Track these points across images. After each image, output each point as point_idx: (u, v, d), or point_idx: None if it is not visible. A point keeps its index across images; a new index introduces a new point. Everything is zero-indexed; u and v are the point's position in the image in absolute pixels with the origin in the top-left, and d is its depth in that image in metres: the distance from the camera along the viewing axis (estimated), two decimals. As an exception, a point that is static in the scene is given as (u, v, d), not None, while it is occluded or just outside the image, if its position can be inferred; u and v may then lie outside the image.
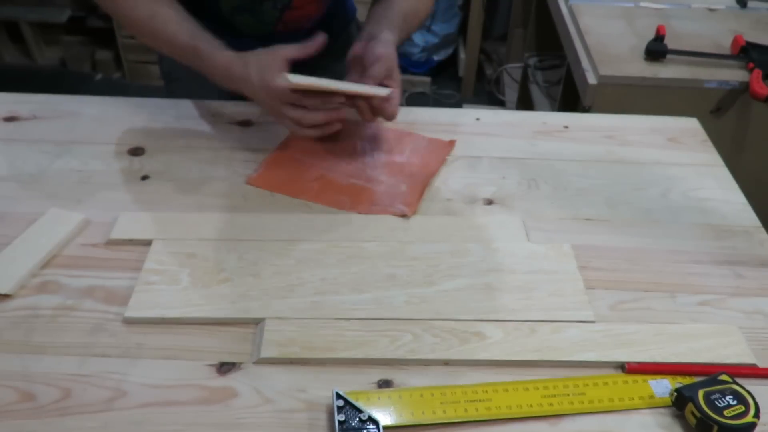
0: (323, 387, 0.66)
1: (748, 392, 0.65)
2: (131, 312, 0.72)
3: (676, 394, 0.65)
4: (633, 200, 0.92)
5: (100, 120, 1.03)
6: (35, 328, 0.71)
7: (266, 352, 0.68)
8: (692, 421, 0.63)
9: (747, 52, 1.41)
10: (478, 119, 1.08)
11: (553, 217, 0.89)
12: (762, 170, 1.45)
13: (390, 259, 0.80)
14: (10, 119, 1.02)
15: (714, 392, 0.64)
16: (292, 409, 0.64)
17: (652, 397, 0.67)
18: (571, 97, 1.58)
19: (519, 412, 0.64)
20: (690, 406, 0.63)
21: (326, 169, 0.94)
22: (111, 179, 0.92)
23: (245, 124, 1.03)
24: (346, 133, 0.99)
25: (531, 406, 0.65)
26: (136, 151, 0.97)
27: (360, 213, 0.88)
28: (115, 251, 0.80)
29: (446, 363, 0.69)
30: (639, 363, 0.69)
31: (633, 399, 0.66)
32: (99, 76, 2.96)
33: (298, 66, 0.88)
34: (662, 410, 0.66)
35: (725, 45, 1.47)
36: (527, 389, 0.66)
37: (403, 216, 0.87)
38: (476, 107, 2.64)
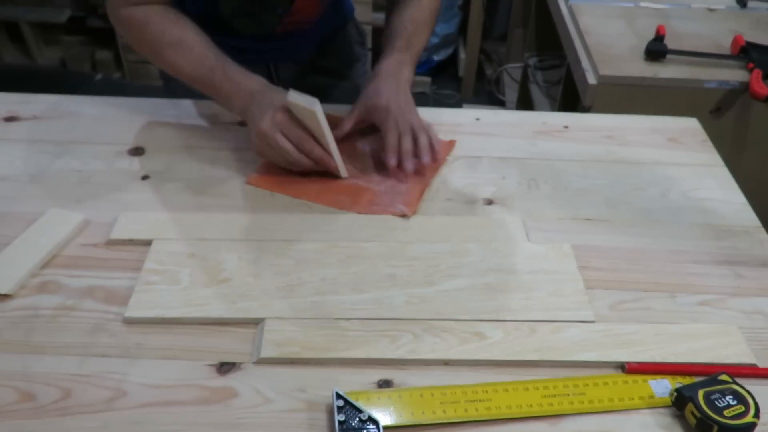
0: (323, 387, 0.66)
1: (748, 392, 0.65)
2: (131, 312, 0.72)
3: (676, 394, 0.65)
4: (633, 200, 0.92)
5: (100, 120, 1.03)
6: (35, 328, 0.71)
7: (266, 352, 0.68)
8: (692, 421, 0.63)
9: (747, 52, 1.41)
10: (478, 119, 1.08)
11: (553, 217, 0.89)
12: (762, 170, 1.45)
13: (390, 259, 0.80)
14: (10, 119, 1.02)
15: (714, 392, 0.64)
16: (292, 409, 0.64)
17: (652, 397, 0.67)
18: (571, 97, 1.58)
19: (519, 412, 0.64)
20: (690, 406, 0.63)
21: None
22: (111, 179, 0.92)
23: (245, 124, 1.02)
24: (347, 134, 1.00)
25: (531, 406, 0.65)
26: (136, 151, 0.97)
27: (360, 213, 0.88)
28: (115, 251, 0.81)
29: (446, 363, 0.69)
30: (639, 363, 0.69)
31: (633, 399, 0.66)
32: (99, 76, 2.96)
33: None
34: (662, 410, 0.66)
35: (725, 45, 1.47)
36: (527, 389, 0.66)
37: (403, 216, 0.87)
38: (476, 107, 2.64)
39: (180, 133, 1.01)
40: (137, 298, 0.73)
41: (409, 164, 0.91)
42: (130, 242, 0.81)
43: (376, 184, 0.92)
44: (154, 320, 0.72)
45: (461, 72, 2.91)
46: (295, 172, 0.92)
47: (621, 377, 0.68)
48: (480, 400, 0.65)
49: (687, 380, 0.68)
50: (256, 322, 0.72)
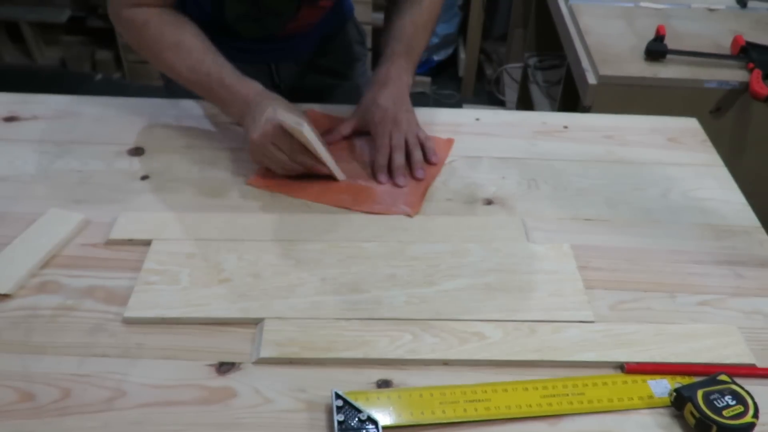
0: (323, 387, 0.66)
1: (747, 392, 0.65)
2: (131, 312, 0.72)
3: (675, 394, 0.65)
4: (633, 200, 0.92)
5: (100, 120, 1.03)
6: (35, 328, 0.71)
7: (266, 352, 0.68)
8: (691, 421, 0.63)
9: (747, 52, 1.41)
10: (478, 119, 1.08)
11: (553, 217, 0.89)
12: (762, 170, 1.45)
13: (390, 259, 0.80)
14: (10, 119, 1.02)
15: (713, 392, 0.64)
16: (291, 409, 0.64)
17: (651, 397, 0.67)
18: (571, 97, 1.58)
19: (518, 412, 0.64)
20: (689, 406, 0.63)
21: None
22: (111, 179, 0.92)
23: (245, 124, 1.03)
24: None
25: (530, 406, 0.65)
26: (136, 151, 0.97)
27: (362, 212, 0.88)
28: (115, 251, 0.81)
29: (446, 363, 0.69)
30: (638, 363, 0.69)
31: (632, 399, 0.66)
32: (99, 76, 2.96)
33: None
34: (661, 410, 0.66)
35: (725, 45, 1.47)
36: (527, 389, 0.66)
37: (406, 216, 0.87)
38: (476, 107, 2.64)
39: (180, 133, 1.01)
40: (137, 298, 0.73)
41: (401, 180, 0.92)
42: (130, 242, 0.81)
43: (377, 183, 0.92)
44: (153, 320, 0.72)
45: (461, 72, 2.91)
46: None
47: (620, 377, 0.68)
48: (479, 400, 0.65)
49: (686, 380, 0.68)
50: (256, 322, 0.72)
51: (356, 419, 0.62)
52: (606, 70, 1.37)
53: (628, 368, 0.69)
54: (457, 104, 2.83)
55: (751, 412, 0.63)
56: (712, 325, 0.75)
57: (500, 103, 2.74)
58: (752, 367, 0.70)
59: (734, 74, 1.38)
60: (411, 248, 0.82)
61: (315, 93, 1.17)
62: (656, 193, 0.94)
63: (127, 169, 0.94)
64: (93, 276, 0.77)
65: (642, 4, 1.67)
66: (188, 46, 0.92)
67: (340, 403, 0.63)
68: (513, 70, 2.72)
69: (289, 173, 0.90)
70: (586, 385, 0.67)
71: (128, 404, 0.64)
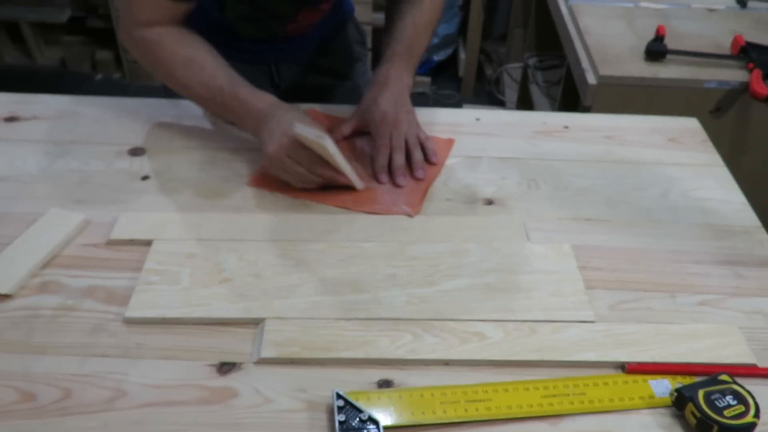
0: (323, 387, 0.66)
1: (748, 392, 0.65)
2: (131, 312, 0.72)
3: (676, 394, 0.65)
4: (633, 200, 0.92)
5: (100, 120, 1.03)
6: (35, 328, 0.71)
7: (266, 352, 0.68)
8: (692, 421, 0.63)
9: (747, 52, 1.41)
10: (478, 119, 1.08)
11: (553, 217, 0.89)
12: (762, 170, 1.45)
13: (390, 259, 0.80)
14: (10, 119, 1.02)
15: (714, 392, 0.64)
16: (292, 409, 0.64)
17: (652, 397, 0.67)
18: (571, 97, 1.58)
19: (519, 412, 0.64)
20: (690, 406, 0.63)
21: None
22: (111, 179, 0.92)
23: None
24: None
25: (531, 406, 0.65)
26: (136, 151, 0.97)
27: (362, 212, 0.88)
28: (115, 251, 0.81)
29: (446, 363, 0.69)
30: (639, 363, 0.69)
31: (633, 399, 0.66)
32: (99, 76, 2.96)
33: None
34: (662, 410, 0.66)
35: (725, 45, 1.47)
36: (527, 389, 0.66)
37: (407, 216, 0.87)
38: (476, 107, 2.64)
39: (180, 133, 1.01)
40: (137, 298, 0.73)
41: (401, 180, 0.92)
42: (131, 242, 0.81)
43: (377, 183, 0.92)
44: (154, 320, 0.72)
45: (461, 72, 2.91)
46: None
47: (621, 377, 0.68)
48: (480, 400, 0.65)
49: (687, 380, 0.68)
50: (256, 322, 0.72)
51: (357, 419, 0.62)
52: (606, 70, 1.38)
53: (629, 368, 0.69)
54: (457, 104, 2.83)
55: (752, 411, 0.63)
56: (712, 325, 0.75)
57: (500, 103, 2.74)
58: (753, 366, 0.70)
59: (734, 74, 1.38)
60: (411, 248, 0.82)
61: (315, 93, 1.17)
62: (656, 193, 0.94)
63: (127, 169, 0.94)
64: (93, 276, 0.77)
65: (642, 4, 1.68)
66: (201, 63, 0.92)
67: (341, 403, 0.63)
68: (513, 70, 2.72)
69: (308, 186, 0.89)
70: (587, 385, 0.67)
71: (129, 404, 0.64)
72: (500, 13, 2.93)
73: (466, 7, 2.80)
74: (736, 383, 0.66)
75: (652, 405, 0.66)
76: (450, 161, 0.98)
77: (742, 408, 0.63)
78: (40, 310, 0.73)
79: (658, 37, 1.44)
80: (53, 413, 0.63)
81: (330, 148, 0.81)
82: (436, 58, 2.94)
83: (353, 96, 1.04)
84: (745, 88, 1.36)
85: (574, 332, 0.72)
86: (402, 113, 0.96)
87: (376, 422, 0.62)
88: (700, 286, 0.79)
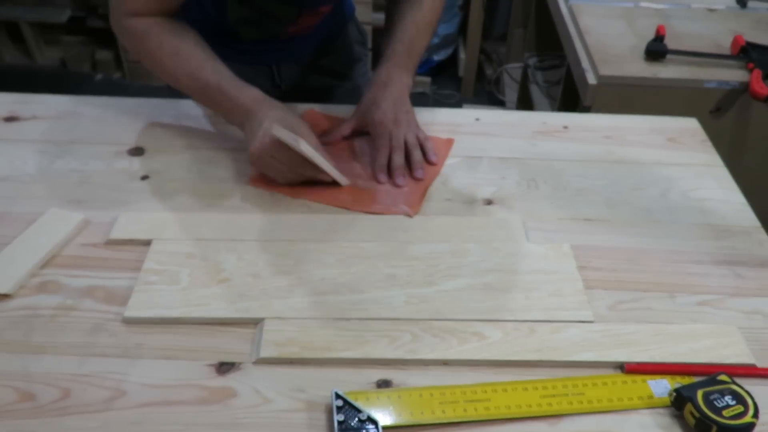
0: (322, 387, 0.66)
1: (747, 392, 0.65)
2: (131, 312, 0.72)
3: (675, 394, 0.65)
4: (633, 200, 0.92)
5: (100, 120, 1.03)
6: (35, 328, 0.71)
7: (266, 352, 0.68)
8: (691, 421, 0.63)
9: (747, 52, 1.41)
10: (478, 119, 1.08)
11: (553, 217, 0.89)
12: (762, 170, 1.45)
13: (390, 259, 0.80)
14: (10, 119, 1.03)
15: (713, 392, 0.64)
16: (291, 409, 0.64)
17: (651, 397, 0.67)
18: (571, 97, 1.58)
19: (518, 412, 0.64)
20: (689, 406, 0.63)
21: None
22: (111, 179, 0.92)
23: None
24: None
25: (530, 406, 0.65)
26: (136, 151, 0.97)
27: (361, 212, 0.88)
28: (115, 251, 0.81)
29: (446, 363, 0.69)
30: (638, 363, 0.69)
31: (632, 399, 0.66)
32: (99, 76, 2.96)
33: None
34: (661, 410, 0.66)
35: (725, 45, 1.47)
36: (526, 389, 0.66)
37: (406, 216, 0.87)
38: (476, 107, 2.64)
39: (180, 133, 1.01)
40: (137, 298, 0.73)
41: (400, 180, 0.92)
42: (130, 242, 0.81)
43: (377, 183, 0.92)
44: (153, 320, 0.72)
45: (461, 72, 2.91)
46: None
47: (620, 377, 0.68)
48: (479, 400, 0.65)
49: (686, 380, 0.68)
50: (256, 322, 0.72)
51: (356, 419, 0.62)
52: (606, 70, 1.38)
53: (628, 368, 0.69)
54: (457, 104, 2.83)
55: (751, 412, 0.63)
56: (711, 325, 0.75)
57: (500, 103, 2.74)
58: (752, 367, 0.70)
59: (734, 74, 1.38)
60: (411, 248, 0.82)
61: (316, 93, 1.17)
62: (656, 193, 0.94)
63: (127, 169, 0.94)
64: (93, 276, 0.77)
65: (642, 4, 1.67)
66: (188, 54, 0.92)
67: (340, 403, 0.63)
68: (513, 70, 2.72)
69: (291, 182, 0.90)
70: (586, 385, 0.67)
71: (128, 404, 0.64)
72: (500, 13, 2.93)
73: (466, 7, 2.80)
74: (735, 383, 0.66)
75: (651, 405, 0.66)
76: (450, 161, 0.98)
77: (741, 408, 0.63)
78: (40, 310, 0.73)
79: (658, 37, 1.44)
80: (52, 413, 0.63)
81: (305, 149, 0.82)
82: (436, 58, 2.94)
83: (354, 96, 1.04)
84: (745, 88, 1.36)
85: (574, 332, 0.72)
86: (401, 113, 0.96)
87: (375, 422, 0.62)
88: (700, 286, 0.80)
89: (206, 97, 0.93)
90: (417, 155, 0.94)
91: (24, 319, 0.72)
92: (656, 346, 0.71)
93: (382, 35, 1.07)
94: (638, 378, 0.68)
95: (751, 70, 1.37)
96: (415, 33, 1.02)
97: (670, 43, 1.42)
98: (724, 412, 0.62)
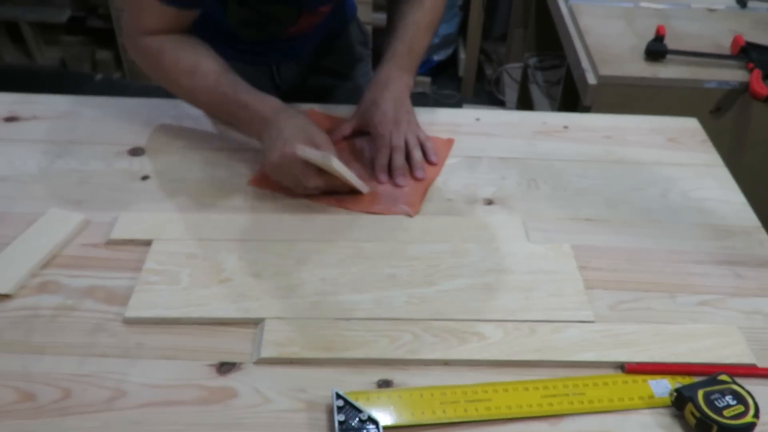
0: (323, 387, 0.66)
1: (748, 392, 0.65)
2: (131, 312, 0.72)
3: (675, 394, 0.65)
4: (633, 200, 0.92)
5: (100, 120, 1.03)
6: (35, 328, 0.71)
7: (266, 352, 0.68)
8: (692, 421, 0.63)
9: (747, 52, 1.41)
10: (478, 119, 1.08)
11: (553, 217, 0.89)
12: (762, 170, 1.45)
13: (390, 259, 0.80)
14: (10, 119, 1.02)
15: (713, 392, 0.64)
16: (292, 409, 0.64)
17: (651, 397, 0.67)
18: (571, 97, 1.58)
19: (519, 412, 0.64)
20: (690, 406, 0.63)
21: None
22: (111, 179, 0.92)
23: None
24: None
25: (531, 406, 0.65)
26: (136, 151, 0.97)
27: (361, 212, 0.88)
28: (115, 251, 0.81)
29: (446, 363, 0.69)
30: (638, 363, 0.69)
31: (633, 399, 0.66)
32: (99, 76, 2.96)
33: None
34: (662, 410, 0.66)
35: (725, 45, 1.47)
36: (527, 389, 0.66)
37: (407, 216, 0.87)
38: (476, 107, 2.64)
39: (180, 133, 1.01)
40: (137, 298, 0.73)
41: (401, 180, 0.92)
42: (130, 242, 0.81)
43: (377, 183, 0.92)
44: (154, 320, 0.72)
45: (461, 72, 2.91)
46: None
47: (621, 377, 0.68)
48: (480, 400, 0.65)
49: (687, 380, 0.68)
50: (256, 322, 0.72)
51: (357, 419, 0.62)
52: (606, 70, 1.38)
53: (629, 368, 0.69)
54: (457, 104, 2.83)
55: (751, 412, 0.63)
56: (712, 325, 0.75)
57: (500, 103, 2.74)
58: (752, 367, 0.70)
59: (734, 74, 1.38)
60: (411, 248, 0.82)
61: (317, 93, 1.17)
62: (656, 193, 0.94)
63: (127, 169, 0.94)
64: (93, 276, 0.77)
65: (642, 4, 1.68)
66: (204, 70, 0.91)
67: (340, 403, 0.63)
68: (513, 70, 2.72)
69: (308, 194, 0.89)
70: (587, 385, 0.67)
71: (128, 404, 0.64)
72: (500, 13, 2.93)
73: (466, 7, 2.80)
74: (735, 383, 0.66)
75: (652, 405, 0.66)
76: (450, 161, 0.98)
77: (741, 408, 0.63)
78: (40, 310, 0.73)
79: (658, 37, 1.44)
80: (53, 413, 0.63)
81: (337, 166, 0.81)
82: (436, 58, 2.94)
83: (355, 96, 1.04)
84: (745, 88, 1.36)
85: (574, 332, 0.72)
86: (402, 113, 0.96)
87: (375, 422, 0.62)
88: (700, 286, 0.80)
89: (224, 110, 0.93)
90: (417, 155, 0.94)
91: (24, 319, 0.72)
92: (657, 346, 0.71)
93: (383, 35, 1.07)
94: (639, 378, 0.68)
95: (751, 70, 1.37)
96: (416, 33, 1.02)
97: (670, 43, 1.42)
98: (725, 412, 0.62)
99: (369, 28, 2.48)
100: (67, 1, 2.83)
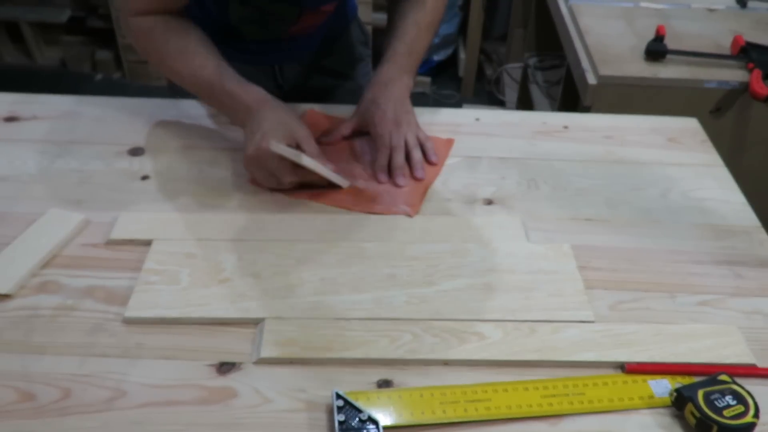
0: (323, 387, 0.66)
1: (748, 392, 0.65)
2: (131, 312, 0.72)
3: (675, 394, 0.65)
4: (633, 200, 0.92)
5: (100, 120, 1.03)
6: (35, 328, 0.71)
7: (266, 352, 0.68)
8: (692, 421, 0.63)
9: (747, 52, 1.41)
10: (478, 119, 1.08)
11: (553, 217, 0.89)
12: (762, 170, 1.45)
13: (390, 259, 0.80)
14: (10, 119, 1.03)
15: (713, 392, 0.64)
16: (291, 409, 0.64)
17: (651, 397, 0.67)
18: (571, 97, 1.58)
19: (519, 412, 0.64)
20: (689, 406, 0.63)
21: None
22: (111, 179, 0.92)
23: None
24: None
25: (531, 406, 0.65)
26: (136, 151, 0.97)
27: (362, 212, 0.88)
28: (115, 251, 0.81)
29: (446, 363, 0.69)
30: (638, 363, 0.69)
31: (632, 399, 0.66)
32: (99, 76, 2.96)
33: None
34: (662, 410, 0.66)
35: (725, 45, 1.47)
36: (527, 389, 0.66)
37: (407, 216, 0.87)
38: (476, 107, 2.64)
39: (180, 133, 1.01)
40: (137, 298, 0.73)
41: (401, 180, 0.92)
42: (130, 242, 0.81)
43: (377, 183, 0.92)
44: (154, 320, 0.72)
45: (461, 72, 2.91)
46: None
47: (620, 377, 0.68)
48: (480, 400, 0.65)
49: (686, 380, 0.68)
50: (256, 322, 0.72)
51: (357, 419, 0.62)
52: (606, 70, 1.38)
53: (629, 368, 0.69)
54: (457, 104, 2.83)
55: (751, 412, 0.63)
56: (712, 325, 0.75)
57: (500, 103, 2.74)
58: (752, 367, 0.70)
59: (734, 74, 1.38)
60: (411, 248, 0.82)
61: (318, 93, 1.17)
62: (656, 193, 0.94)
63: (127, 169, 0.94)
64: (93, 276, 0.77)
65: (642, 4, 1.67)
66: (192, 52, 0.92)
67: (340, 403, 0.63)
68: (513, 70, 2.72)
69: (282, 189, 0.89)
70: (587, 385, 0.67)
71: (128, 404, 0.64)
72: (500, 13, 2.93)
73: (466, 7, 2.80)
74: (735, 383, 0.66)
75: (652, 405, 0.66)
76: (450, 161, 0.98)
77: (741, 408, 0.63)
78: (40, 310, 0.73)
79: (658, 37, 1.44)
80: (53, 413, 0.63)
81: (308, 163, 0.82)
82: (436, 58, 2.94)
83: (356, 96, 1.04)
84: (745, 88, 1.36)
85: (574, 332, 0.72)
86: (402, 113, 0.96)
87: (375, 422, 0.62)
88: (700, 286, 0.79)
89: (209, 95, 0.93)
90: (417, 155, 0.94)
91: (24, 319, 0.72)
92: (656, 346, 0.71)
93: (384, 35, 1.07)
94: (639, 378, 0.68)
95: (751, 70, 1.37)
96: (417, 33, 1.02)
97: (670, 43, 1.42)
98: (725, 412, 0.62)
99: (369, 28, 2.48)
100: (67, 1, 2.83)
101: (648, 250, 0.84)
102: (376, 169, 0.93)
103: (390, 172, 0.93)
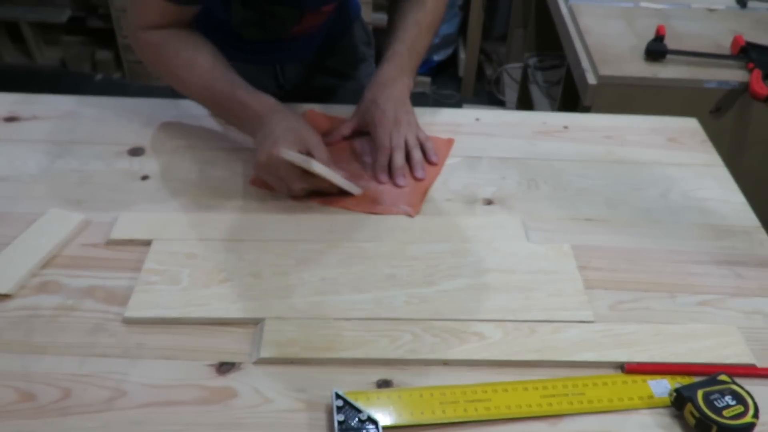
0: (323, 387, 0.66)
1: (747, 392, 0.65)
2: (131, 312, 0.72)
3: (675, 394, 0.65)
4: (633, 200, 0.92)
5: (100, 120, 1.03)
6: (35, 328, 0.71)
7: (266, 352, 0.68)
8: (691, 421, 0.63)
9: (747, 52, 1.41)
10: (478, 119, 1.08)
11: (553, 217, 0.89)
12: (762, 170, 1.45)
13: (390, 259, 0.80)
14: (10, 119, 1.03)
15: (713, 392, 0.64)
16: (291, 409, 0.64)
17: (651, 397, 0.67)
18: (571, 97, 1.58)
19: (518, 412, 0.64)
20: (689, 407, 0.63)
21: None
22: (111, 179, 0.92)
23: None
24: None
25: (530, 406, 0.65)
26: (136, 151, 0.97)
27: (362, 212, 0.88)
28: (115, 251, 0.81)
29: (446, 363, 0.69)
30: (638, 363, 0.69)
31: (632, 399, 0.66)
32: (99, 76, 2.96)
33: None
34: (661, 410, 0.66)
35: (725, 45, 1.47)
36: (527, 389, 0.66)
37: (407, 216, 0.87)
38: (476, 107, 2.64)
39: (180, 133, 1.01)
40: (137, 298, 0.73)
41: (401, 180, 0.92)
42: (130, 242, 0.81)
43: (377, 183, 0.92)
44: (154, 320, 0.72)
45: (461, 72, 2.91)
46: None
47: (620, 377, 0.68)
48: (479, 400, 0.65)
49: (686, 380, 0.68)
50: (256, 322, 0.72)
51: (356, 419, 0.62)
52: (606, 70, 1.38)
53: (628, 368, 0.69)
54: (457, 104, 2.83)
55: (751, 412, 0.63)
56: (712, 325, 0.75)
57: (500, 103, 2.74)
58: (752, 367, 0.70)
59: (734, 74, 1.38)
60: (411, 248, 0.82)
61: (320, 93, 1.17)
62: (656, 193, 0.94)
63: (127, 169, 0.94)
64: (93, 276, 0.77)
65: (642, 4, 1.68)
66: (202, 64, 0.92)
67: (340, 403, 0.63)
68: (513, 70, 2.72)
69: (295, 196, 0.89)
70: (586, 385, 0.67)
71: (128, 404, 0.64)
72: (500, 13, 2.93)
73: (466, 7, 2.80)
74: (735, 383, 0.66)
75: (651, 405, 0.66)
76: (450, 161, 0.98)
77: (741, 408, 0.63)
78: (40, 310, 0.73)
79: (658, 37, 1.44)
80: (53, 413, 0.63)
81: (318, 170, 0.82)
82: (436, 58, 2.94)
83: (358, 97, 1.04)
84: (745, 88, 1.36)
85: (574, 332, 0.72)
86: (402, 113, 0.96)
87: (375, 422, 0.62)
88: (700, 286, 0.80)
89: (220, 105, 0.93)
90: (417, 155, 0.94)
91: (24, 319, 0.72)
92: (656, 346, 0.71)
93: (384, 35, 1.07)
94: (638, 378, 0.68)
95: (751, 70, 1.37)
96: (417, 33, 1.02)
97: (670, 43, 1.42)
98: (725, 412, 0.62)
99: (369, 28, 2.48)
100: (67, 1, 2.83)
101: (648, 250, 0.84)
102: (377, 169, 0.93)
103: (390, 172, 0.93)
